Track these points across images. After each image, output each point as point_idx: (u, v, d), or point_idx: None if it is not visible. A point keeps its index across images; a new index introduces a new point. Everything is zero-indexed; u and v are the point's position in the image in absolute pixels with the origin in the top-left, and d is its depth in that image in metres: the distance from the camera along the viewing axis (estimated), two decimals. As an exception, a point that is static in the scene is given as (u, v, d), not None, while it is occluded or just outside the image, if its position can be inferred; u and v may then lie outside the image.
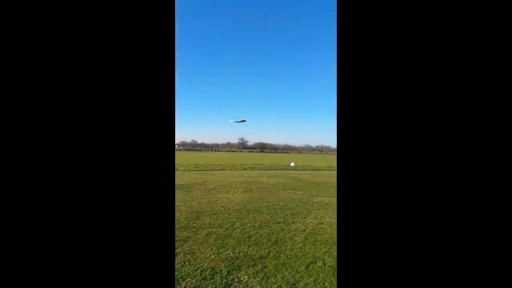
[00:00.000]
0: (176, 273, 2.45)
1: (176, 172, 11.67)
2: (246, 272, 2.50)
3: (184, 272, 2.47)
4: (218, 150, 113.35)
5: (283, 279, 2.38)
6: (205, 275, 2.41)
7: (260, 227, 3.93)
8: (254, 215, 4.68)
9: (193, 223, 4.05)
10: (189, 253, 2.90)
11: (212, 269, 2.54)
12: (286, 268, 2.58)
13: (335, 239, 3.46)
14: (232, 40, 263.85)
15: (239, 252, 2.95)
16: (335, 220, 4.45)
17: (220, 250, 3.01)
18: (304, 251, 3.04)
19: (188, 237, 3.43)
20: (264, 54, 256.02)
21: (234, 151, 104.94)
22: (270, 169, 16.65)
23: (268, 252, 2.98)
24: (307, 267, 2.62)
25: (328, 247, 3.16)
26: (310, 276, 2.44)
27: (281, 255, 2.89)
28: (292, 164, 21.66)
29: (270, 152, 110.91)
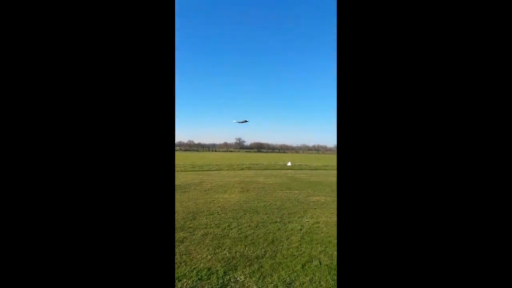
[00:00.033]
0: (172, 274, 2.44)
1: (172, 172, 11.60)
2: (242, 272, 2.50)
3: (180, 273, 2.46)
4: (215, 150, 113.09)
5: (279, 278, 2.39)
6: (201, 276, 2.41)
7: (256, 227, 3.94)
8: (250, 215, 4.69)
9: (190, 224, 4.04)
10: (185, 254, 2.89)
11: (209, 269, 2.54)
12: (282, 268, 2.59)
13: (331, 238, 3.48)
14: (232, 40, 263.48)
15: (236, 252, 2.95)
16: (331, 219, 4.48)
17: (217, 250, 3.01)
18: (300, 250, 3.05)
19: (184, 237, 3.42)
20: (264, 54, 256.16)
21: (231, 151, 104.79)
22: (267, 169, 16.66)
23: (264, 251, 2.99)
24: (303, 266, 2.63)
25: (324, 246, 3.17)
26: (306, 275, 2.45)
27: (278, 255, 2.90)
28: (289, 163, 21.71)
29: (267, 152, 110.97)
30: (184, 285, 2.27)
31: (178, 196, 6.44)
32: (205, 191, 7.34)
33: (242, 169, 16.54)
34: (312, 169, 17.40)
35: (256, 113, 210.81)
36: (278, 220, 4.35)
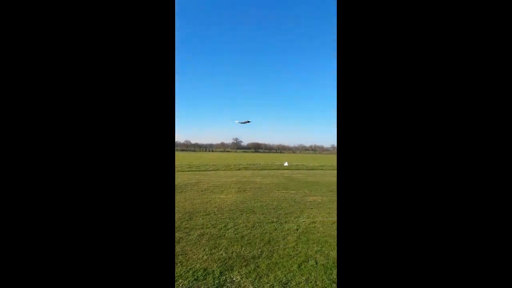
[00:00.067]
0: (168, 274, 2.43)
1: (169, 172, 11.55)
2: (238, 272, 2.50)
3: (176, 273, 2.45)
4: (212, 151, 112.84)
5: (275, 278, 2.39)
6: (197, 276, 2.40)
7: (253, 227, 3.93)
8: (247, 215, 4.69)
9: (186, 224, 4.02)
10: (181, 254, 2.88)
11: (205, 270, 2.53)
12: (278, 268, 2.59)
13: (327, 238, 3.49)
14: (232, 40, 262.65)
15: (232, 253, 2.95)
16: (328, 219, 4.50)
17: (213, 250, 3.00)
18: (297, 250, 3.05)
19: (180, 238, 3.40)
20: (264, 54, 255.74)
21: (229, 152, 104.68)
22: (264, 169, 16.67)
23: (261, 252, 2.99)
24: (299, 266, 2.64)
25: (320, 246, 3.18)
26: (302, 275, 2.46)
27: (274, 255, 2.90)
28: (286, 164, 21.75)
29: (264, 152, 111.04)
30: (180, 285, 2.26)
31: (174, 196, 6.40)
32: (202, 191, 7.32)
33: (239, 169, 16.53)
34: (309, 169, 17.45)
35: (255, 113, 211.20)
36: (274, 220, 4.35)
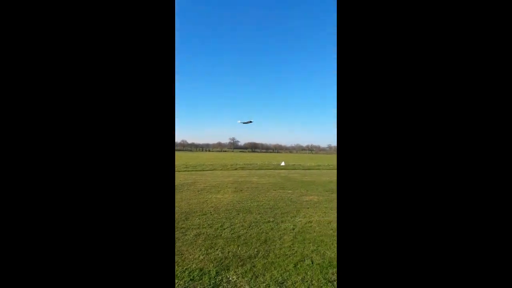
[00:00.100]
0: (164, 275, 2.42)
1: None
2: (234, 272, 2.50)
3: (172, 273, 2.45)
4: (209, 150, 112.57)
5: (271, 278, 2.39)
6: (193, 276, 2.40)
7: (249, 227, 3.94)
8: (244, 215, 4.69)
9: (182, 224, 4.01)
10: (177, 254, 2.87)
11: (201, 270, 2.53)
12: (274, 267, 2.60)
13: (323, 237, 3.51)
14: (232, 40, 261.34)
15: (228, 252, 2.95)
16: (324, 219, 4.52)
17: (209, 250, 3.00)
18: (293, 249, 3.06)
19: (176, 238, 3.39)
20: (264, 54, 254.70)
21: (225, 151, 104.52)
22: (261, 169, 16.68)
23: (257, 251, 2.99)
24: (295, 265, 2.65)
25: (316, 245, 3.20)
26: (298, 274, 2.47)
27: (270, 254, 2.91)
28: (283, 163, 21.78)
29: (261, 152, 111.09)
30: (176, 286, 2.25)
31: (170, 196, 6.38)
32: (198, 191, 7.30)
33: (235, 169, 16.51)
34: (306, 169, 17.50)
35: (253, 113, 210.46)
36: (271, 220, 4.36)
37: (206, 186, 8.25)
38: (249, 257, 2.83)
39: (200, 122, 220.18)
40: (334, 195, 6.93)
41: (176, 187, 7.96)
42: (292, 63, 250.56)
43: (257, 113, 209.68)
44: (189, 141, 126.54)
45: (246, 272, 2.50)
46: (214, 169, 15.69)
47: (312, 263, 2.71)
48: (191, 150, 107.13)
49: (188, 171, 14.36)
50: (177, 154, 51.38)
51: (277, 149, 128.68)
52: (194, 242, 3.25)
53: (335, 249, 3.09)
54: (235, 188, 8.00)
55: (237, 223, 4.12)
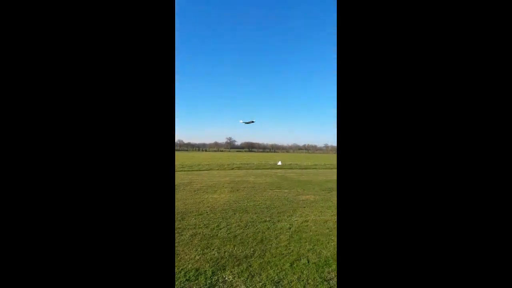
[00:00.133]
0: (159, 275, 2.40)
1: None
2: (231, 271, 2.49)
3: (168, 274, 2.43)
4: (205, 150, 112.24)
5: (267, 277, 2.39)
6: (189, 276, 2.39)
7: (246, 227, 3.93)
8: (240, 214, 4.68)
9: (178, 224, 3.99)
10: (173, 255, 2.85)
11: (197, 270, 2.52)
12: (270, 267, 2.60)
13: (319, 237, 3.52)
14: (232, 40, 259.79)
15: (224, 252, 2.94)
16: (320, 218, 4.53)
17: (205, 250, 2.99)
18: (289, 249, 3.07)
19: (172, 238, 3.37)
20: (264, 54, 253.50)
21: (222, 151, 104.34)
22: (258, 169, 16.69)
23: (253, 251, 2.99)
24: (291, 264, 2.65)
25: (312, 245, 3.21)
26: (294, 273, 2.47)
27: (266, 254, 2.91)
28: (279, 163, 21.82)
29: (258, 151, 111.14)
30: (172, 286, 2.24)
31: (166, 196, 6.35)
32: (195, 191, 7.28)
33: (232, 168, 16.49)
34: (302, 168, 17.56)
35: (252, 112, 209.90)
36: (267, 219, 4.36)
37: (203, 186, 8.22)
38: (245, 257, 2.82)
39: (199, 122, 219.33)
40: (330, 194, 6.96)
41: (172, 187, 7.92)
42: (292, 63, 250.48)
43: (257, 113, 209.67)
44: (185, 140, 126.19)
45: (242, 271, 2.50)
46: (211, 169, 15.65)
47: (308, 262, 2.72)
48: (187, 150, 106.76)
49: (185, 171, 14.31)
50: (173, 154, 51.08)
51: (274, 148, 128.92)
52: (190, 242, 3.24)
53: (331, 248, 3.10)
54: (232, 188, 7.99)
55: (233, 223, 4.11)
